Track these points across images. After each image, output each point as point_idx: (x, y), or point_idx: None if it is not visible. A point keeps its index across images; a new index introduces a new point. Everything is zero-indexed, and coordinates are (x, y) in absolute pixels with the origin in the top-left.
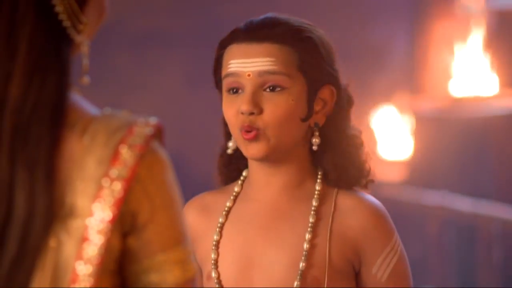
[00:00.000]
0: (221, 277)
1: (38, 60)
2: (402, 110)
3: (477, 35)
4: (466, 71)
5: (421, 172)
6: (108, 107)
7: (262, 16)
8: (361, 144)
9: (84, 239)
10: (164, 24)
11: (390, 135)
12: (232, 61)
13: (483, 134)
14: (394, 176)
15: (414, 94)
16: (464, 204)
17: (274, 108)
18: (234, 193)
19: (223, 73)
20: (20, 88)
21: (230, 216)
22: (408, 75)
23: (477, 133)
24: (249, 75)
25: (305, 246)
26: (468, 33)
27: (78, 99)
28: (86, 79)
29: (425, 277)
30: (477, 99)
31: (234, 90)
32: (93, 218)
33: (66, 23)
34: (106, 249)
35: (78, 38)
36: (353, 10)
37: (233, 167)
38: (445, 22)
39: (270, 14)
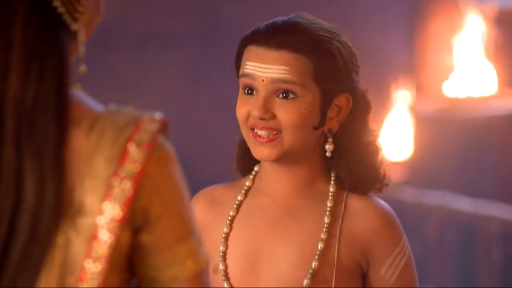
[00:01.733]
0: (228, 270)
1: (35, 48)
2: (402, 111)
3: (477, 35)
4: (466, 71)
5: (421, 172)
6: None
7: (285, 18)
8: (376, 150)
9: (93, 237)
10: (165, 24)
11: (390, 135)
12: (248, 63)
13: (483, 134)
14: (394, 176)
15: (414, 94)
16: (464, 204)
17: (287, 115)
18: (245, 187)
19: (240, 71)
20: (19, 77)
21: (240, 209)
22: (408, 75)
23: (477, 133)
24: (263, 80)
25: (320, 245)
26: (467, 33)
27: (82, 95)
28: (83, 67)
29: (425, 277)
30: (477, 99)
31: (249, 91)
32: (103, 217)
33: (61, 10)
34: (115, 247)
35: (74, 26)
36: (353, 10)
37: (249, 157)
38: (445, 22)
39: (293, 16)
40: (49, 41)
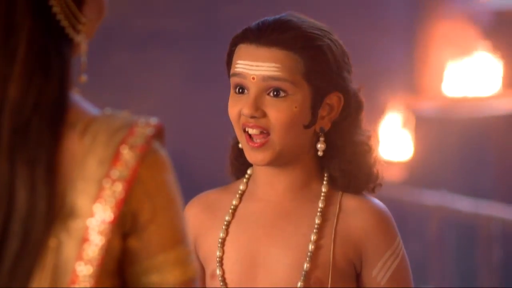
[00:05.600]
0: (226, 275)
1: (38, 61)
2: (402, 111)
3: (477, 35)
4: (466, 71)
5: (421, 172)
6: (109, 107)
7: (277, 16)
8: (369, 150)
9: (84, 239)
10: (165, 24)
11: (390, 135)
12: (239, 61)
13: (483, 134)
14: (394, 176)
15: (414, 94)
16: (464, 204)
17: (277, 114)
18: (239, 191)
19: (231, 71)
20: (18, 89)
21: (236, 214)
22: (408, 75)
23: (477, 133)
24: (253, 78)
25: (310, 247)
26: (468, 33)
27: (78, 99)
28: (84, 78)
29: (425, 277)
30: (477, 99)
31: (240, 90)
32: (94, 219)
33: (64, 23)
34: (107, 250)
35: (77, 38)
36: (353, 11)
37: (243, 159)
38: (445, 22)
39: (284, 15)
40: (52, 54)
